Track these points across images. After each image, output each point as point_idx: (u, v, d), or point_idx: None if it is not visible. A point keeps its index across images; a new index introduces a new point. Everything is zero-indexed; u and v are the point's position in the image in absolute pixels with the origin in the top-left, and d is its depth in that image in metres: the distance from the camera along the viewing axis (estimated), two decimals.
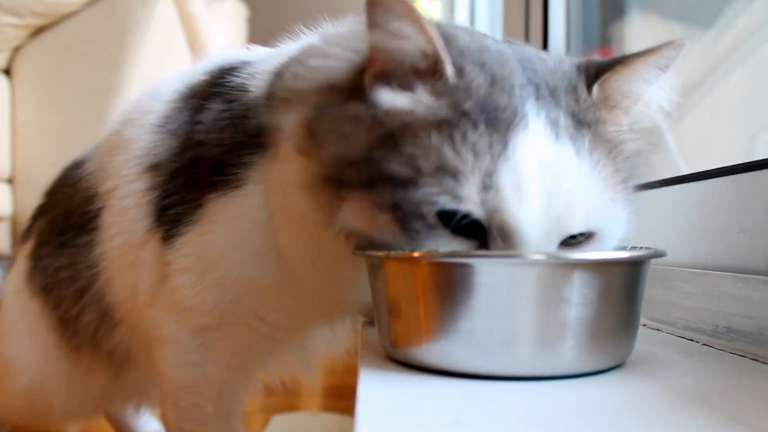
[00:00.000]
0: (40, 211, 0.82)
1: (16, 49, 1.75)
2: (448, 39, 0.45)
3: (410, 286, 0.43)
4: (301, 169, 0.49)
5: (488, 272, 0.40)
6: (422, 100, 0.44)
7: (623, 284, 0.43)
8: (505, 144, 0.41)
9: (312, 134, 0.48)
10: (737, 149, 0.76)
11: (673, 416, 0.35)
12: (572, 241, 0.44)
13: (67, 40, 1.69)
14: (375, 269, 0.46)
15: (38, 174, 1.62)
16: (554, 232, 0.42)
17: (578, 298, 0.40)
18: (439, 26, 0.46)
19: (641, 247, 0.48)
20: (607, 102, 0.47)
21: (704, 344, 0.55)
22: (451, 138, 0.41)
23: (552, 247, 0.42)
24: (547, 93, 0.44)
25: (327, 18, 0.60)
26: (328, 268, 0.56)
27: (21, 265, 0.80)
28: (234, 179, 0.56)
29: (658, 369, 0.46)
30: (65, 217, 0.74)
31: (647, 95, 0.48)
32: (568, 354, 0.41)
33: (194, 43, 1.67)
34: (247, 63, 0.61)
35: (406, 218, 0.42)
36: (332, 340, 0.69)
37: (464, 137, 0.41)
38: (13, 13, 1.63)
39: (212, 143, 0.58)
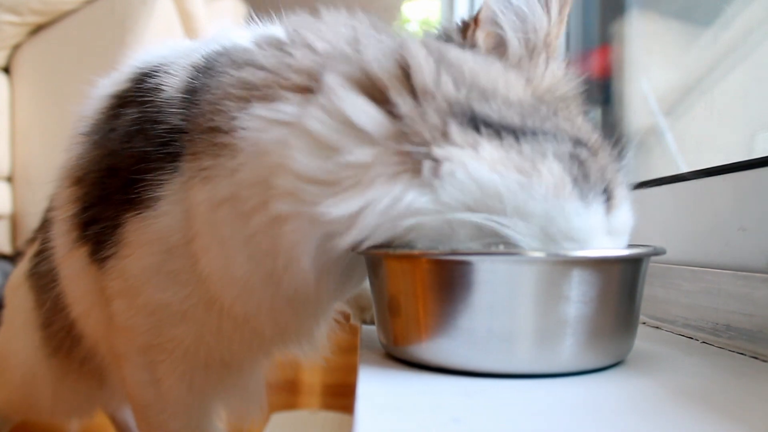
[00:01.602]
0: (43, 215, 0.83)
1: (16, 48, 1.75)
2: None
3: (410, 284, 0.43)
4: (366, 111, 0.41)
5: (488, 270, 0.40)
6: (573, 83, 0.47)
7: (623, 282, 0.43)
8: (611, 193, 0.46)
9: (439, 58, 0.42)
10: (737, 147, 0.76)
11: (672, 414, 0.35)
12: None
13: (67, 38, 1.69)
14: (375, 267, 0.46)
15: (38, 172, 1.62)
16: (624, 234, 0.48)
17: (578, 295, 0.40)
18: None
19: (641, 245, 0.48)
20: None
21: (704, 342, 0.55)
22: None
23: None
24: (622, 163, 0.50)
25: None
26: (266, 292, 0.50)
27: (24, 264, 0.81)
28: (145, 199, 0.51)
29: (657, 367, 0.46)
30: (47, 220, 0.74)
31: None
32: (568, 351, 0.41)
33: None
34: (164, 64, 0.56)
35: (585, 175, 0.42)
36: (278, 368, 0.66)
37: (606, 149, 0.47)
38: (12, 11, 1.63)
39: (123, 153, 0.53)
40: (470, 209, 0.39)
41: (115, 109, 0.57)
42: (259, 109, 0.46)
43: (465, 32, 0.46)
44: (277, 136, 0.44)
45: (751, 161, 0.57)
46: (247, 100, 0.47)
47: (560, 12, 0.44)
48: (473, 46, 0.45)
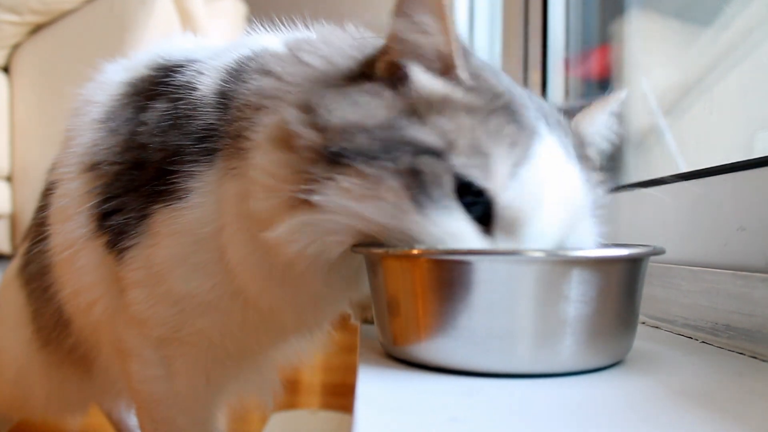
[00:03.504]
0: (37, 211, 0.82)
1: (15, 47, 1.75)
2: (466, 53, 0.46)
3: (409, 284, 0.43)
4: (277, 161, 0.47)
5: (487, 269, 0.40)
6: (460, 88, 0.45)
7: (622, 281, 0.43)
8: (528, 147, 0.43)
9: (309, 109, 0.46)
10: (736, 147, 0.76)
11: (671, 413, 0.35)
12: None
13: (66, 37, 1.69)
14: (374, 267, 0.46)
15: (37, 172, 1.62)
16: (556, 238, 0.43)
17: (577, 295, 0.40)
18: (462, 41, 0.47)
19: (640, 245, 0.48)
20: (582, 139, 0.51)
21: (703, 342, 0.55)
22: (486, 124, 0.43)
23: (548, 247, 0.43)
24: (554, 122, 0.47)
25: (315, 18, 0.60)
26: (287, 284, 0.52)
27: (17, 261, 0.81)
28: (177, 190, 0.53)
29: (656, 366, 0.46)
30: (40, 215, 0.73)
31: (603, 132, 0.54)
32: (567, 351, 0.41)
33: None
34: (193, 60, 0.58)
35: (423, 185, 0.42)
36: (294, 358, 0.67)
37: (498, 128, 0.43)
38: (11, 10, 1.63)
39: (155, 147, 0.54)
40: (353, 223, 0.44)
41: (137, 99, 0.58)
42: (265, 120, 0.50)
43: (372, 65, 0.48)
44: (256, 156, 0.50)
45: (750, 161, 0.57)
46: (259, 109, 0.51)
47: (440, 21, 0.44)
48: (373, 75, 0.48)
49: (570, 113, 0.52)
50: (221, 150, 0.52)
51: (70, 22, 1.67)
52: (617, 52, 1.15)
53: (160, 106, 0.56)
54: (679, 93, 0.90)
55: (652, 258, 0.46)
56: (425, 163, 0.42)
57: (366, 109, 0.45)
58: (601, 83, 1.23)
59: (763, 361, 0.47)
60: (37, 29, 1.71)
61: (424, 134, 0.43)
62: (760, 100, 0.72)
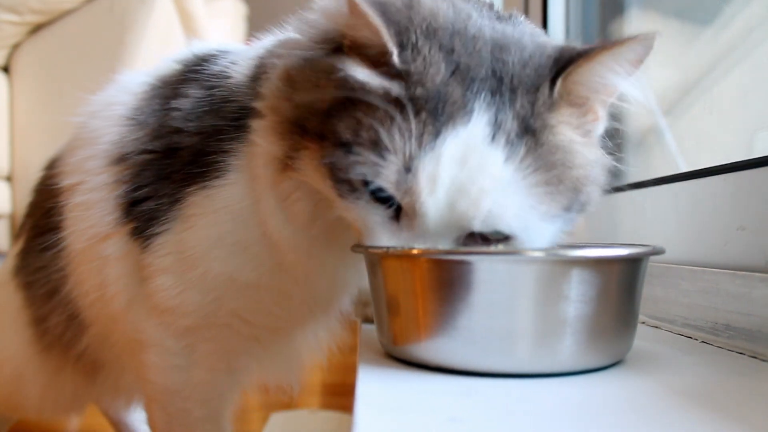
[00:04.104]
0: (29, 210, 0.82)
1: (15, 47, 1.75)
2: (421, 20, 0.45)
3: (409, 283, 0.43)
4: (268, 127, 0.51)
5: (487, 269, 0.40)
6: (378, 77, 0.44)
7: (622, 281, 0.43)
8: (437, 134, 0.43)
9: (290, 81, 0.49)
10: (736, 147, 0.76)
11: (671, 413, 0.35)
12: (484, 238, 0.44)
13: (66, 37, 1.68)
14: (374, 266, 0.46)
15: (37, 172, 1.62)
16: (454, 226, 0.43)
17: (577, 295, 0.40)
18: (403, 7, 0.46)
19: (640, 245, 0.48)
20: (570, 98, 0.45)
21: (703, 341, 0.55)
22: (390, 118, 0.43)
23: (450, 238, 0.44)
24: (506, 90, 0.44)
25: None
26: (321, 246, 0.55)
27: (10, 261, 0.80)
28: (213, 169, 0.54)
29: (656, 366, 0.46)
30: (45, 216, 0.72)
31: (621, 88, 0.47)
32: (567, 351, 0.41)
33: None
34: (225, 51, 0.61)
35: (337, 178, 0.45)
36: (318, 338, 0.67)
37: (403, 120, 0.43)
38: (11, 10, 1.63)
39: (190, 131, 0.56)
40: None
41: (165, 90, 0.60)
42: (263, 90, 0.52)
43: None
44: None
45: (750, 161, 0.57)
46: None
47: (361, 17, 0.44)
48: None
49: (567, 62, 0.45)
50: (254, 126, 0.54)
51: (70, 22, 1.67)
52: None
53: (195, 92, 0.57)
54: (679, 93, 0.90)
55: (652, 258, 0.46)
56: (337, 158, 0.44)
57: (319, 90, 0.46)
58: None
59: (763, 360, 0.47)
60: (37, 29, 1.71)
61: (341, 126, 0.44)
62: (760, 100, 0.72)
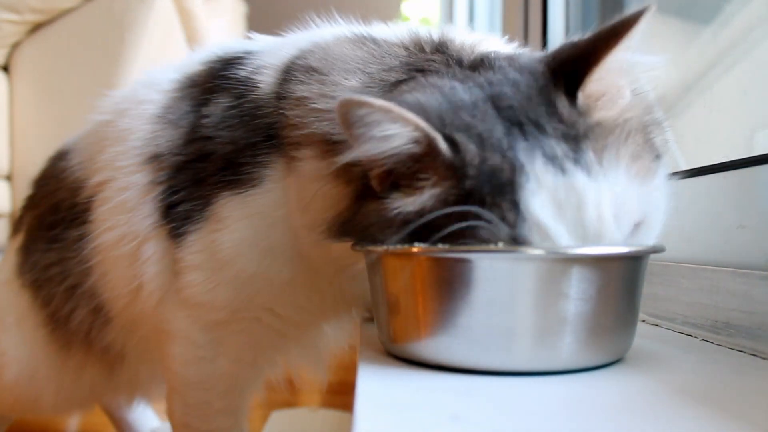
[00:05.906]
0: (29, 204, 0.81)
1: (15, 46, 1.74)
2: (425, 113, 0.43)
3: (409, 282, 0.43)
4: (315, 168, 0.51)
5: (487, 267, 0.40)
6: (429, 194, 0.43)
7: (622, 279, 0.43)
8: (516, 205, 0.40)
9: (332, 144, 0.50)
10: (736, 145, 0.76)
11: (671, 411, 0.35)
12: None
13: (66, 36, 1.68)
14: (374, 264, 0.46)
15: (37, 171, 1.62)
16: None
17: (577, 293, 0.40)
18: (412, 104, 0.44)
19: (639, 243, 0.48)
20: (595, 100, 0.45)
21: (703, 340, 0.55)
22: (464, 219, 0.40)
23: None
24: (533, 129, 0.43)
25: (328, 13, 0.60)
26: (344, 261, 0.54)
27: (11, 258, 0.79)
28: (249, 178, 0.55)
29: (656, 364, 0.46)
30: (53, 211, 0.72)
31: (634, 70, 0.47)
32: (567, 349, 0.41)
33: (193, 40, 1.67)
34: (249, 53, 0.60)
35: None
36: (339, 334, 0.68)
37: (477, 217, 0.40)
38: (11, 9, 1.63)
39: (223, 140, 0.56)
40: None
41: (194, 91, 0.60)
42: (301, 133, 0.53)
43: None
44: None
45: (750, 159, 0.57)
46: (300, 117, 0.54)
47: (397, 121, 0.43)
48: None
49: (573, 75, 0.44)
50: (285, 143, 0.54)
51: (70, 21, 1.67)
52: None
53: (223, 101, 0.58)
54: (679, 91, 0.90)
55: (652, 256, 0.46)
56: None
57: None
58: None
59: (763, 358, 0.47)
60: (36, 28, 1.71)
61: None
62: (760, 98, 0.72)
